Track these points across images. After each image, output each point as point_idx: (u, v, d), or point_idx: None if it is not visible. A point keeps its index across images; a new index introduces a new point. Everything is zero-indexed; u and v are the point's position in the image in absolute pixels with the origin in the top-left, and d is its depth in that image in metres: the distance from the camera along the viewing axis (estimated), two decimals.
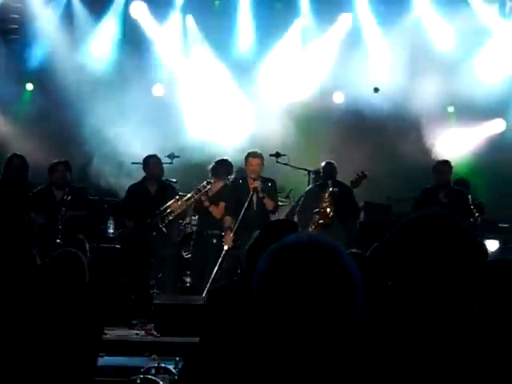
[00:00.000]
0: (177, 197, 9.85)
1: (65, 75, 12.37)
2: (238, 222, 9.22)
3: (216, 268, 9.29)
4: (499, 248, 10.75)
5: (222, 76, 12.91)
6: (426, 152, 12.18)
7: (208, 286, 9.39)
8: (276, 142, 11.45)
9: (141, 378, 5.80)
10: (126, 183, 10.56)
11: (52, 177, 9.81)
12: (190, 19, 12.97)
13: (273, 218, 9.64)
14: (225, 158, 10.25)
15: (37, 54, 12.63)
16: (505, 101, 12.63)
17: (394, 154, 12.16)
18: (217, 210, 9.83)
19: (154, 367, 6.01)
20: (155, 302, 8.95)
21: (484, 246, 4.31)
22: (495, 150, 12.44)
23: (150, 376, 5.86)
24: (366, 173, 10.27)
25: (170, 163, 11.19)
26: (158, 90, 12.92)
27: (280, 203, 10.57)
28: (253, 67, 12.85)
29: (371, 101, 11.95)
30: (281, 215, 10.39)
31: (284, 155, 11.09)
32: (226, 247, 9.36)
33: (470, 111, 12.46)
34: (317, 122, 12.65)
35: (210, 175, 10.16)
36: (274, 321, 1.77)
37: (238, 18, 12.88)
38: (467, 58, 12.51)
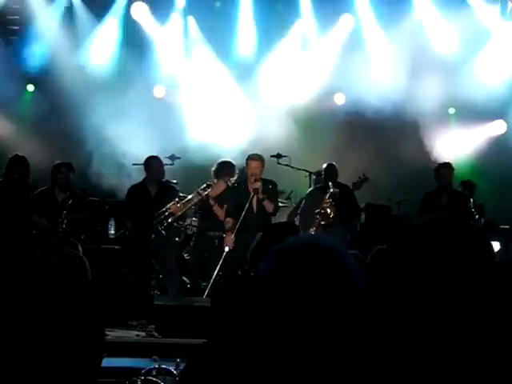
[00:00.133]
0: (176, 199, 9.84)
1: (66, 76, 12.37)
2: (239, 223, 9.21)
3: (217, 269, 9.28)
4: (500, 249, 10.76)
5: (223, 77, 12.91)
6: (426, 154, 12.19)
7: (209, 287, 9.39)
8: (277, 144, 11.46)
9: (141, 380, 5.79)
10: (127, 184, 10.55)
11: (55, 178, 9.76)
12: (191, 20, 12.97)
13: (273, 220, 9.64)
14: (228, 159, 10.24)
15: (38, 56, 12.61)
16: (506, 102, 12.63)
17: (395, 156, 12.16)
18: (220, 211, 9.82)
19: (154, 368, 6.00)
20: (156, 303, 8.94)
21: (491, 246, 4.28)
22: (496, 151, 12.45)
23: (150, 377, 5.85)
24: (367, 176, 10.30)
25: (170, 164, 11.19)
26: (159, 92, 12.92)
27: (281, 204, 10.57)
28: (254, 68, 12.85)
29: (372, 102, 11.94)
30: (282, 217, 10.39)
31: (285, 156, 11.10)
32: (226, 249, 9.35)
33: (471, 113, 12.47)
34: (318, 124, 12.65)
35: (212, 176, 10.15)
36: (276, 322, 1.77)
37: (238, 19, 12.88)
38: (468, 60, 12.51)
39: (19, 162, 10.01)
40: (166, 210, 9.76)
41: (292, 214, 10.61)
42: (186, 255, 10.93)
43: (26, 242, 4.45)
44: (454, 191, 10.11)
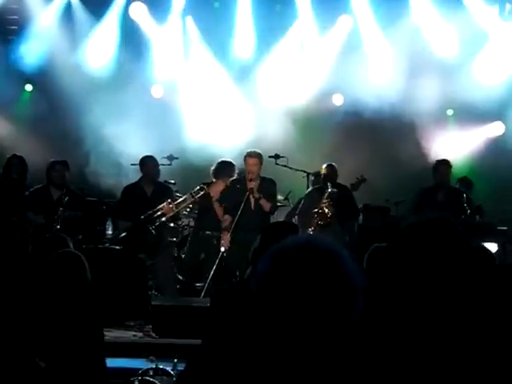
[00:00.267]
0: (169, 200, 9.81)
1: (64, 76, 12.36)
2: (235, 222, 9.21)
3: (213, 269, 9.28)
4: (498, 251, 10.75)
5: (221, 77, 12.91)
6: (424, 155, 12.19)
7: (206, 287, 9.39)
8: (275, 144, 11.46)
9: (139, 380, 5.79)
10: (125, 185, 10.55)
11: (50, 176, 9.76)
12: (190, 21, 12.96)
13: (272, 219, 9.65)
14: (227, 159, 10.24)
15: (36, 55, 12.60)
16: (504, 104, 12.63)
17: (393, 157, 12.17)
18: (220, 209, 9.82)
19: (151, 369, 6.00)
20: (153, 303, 8.94)
21: (485, 249, 4.29)
22: (494, 152, 12.46)
23: (147, 378, 5.85)
24: (365, 177, 10.32)
25: (168, 165, 11.19)
26: (157, 92, 12.91)
27: (279, 204, 10.58)
28: (252, 69, 12.85)
29: (370, 103, 11.94)
30: (280, 217, 10.39)
31: (283, 157, 11.11)
32: (222, 248, 9.35)
33: (469, 114, 12.47)
34: (316, 124, 12.66)
35: (211, 176, 10.15)
36: (273, 322, 1.76)
37: (237, 19, 12.87)
38: (466, 61, 12.51)
39: (17, 163, 10.01)
40: (157, 210, 9.74)
41: (290, 215, 10.61)
42: (183, 256, 10.93)
43: (24, 243, 4.45)
44: (451, 188, 10.16)
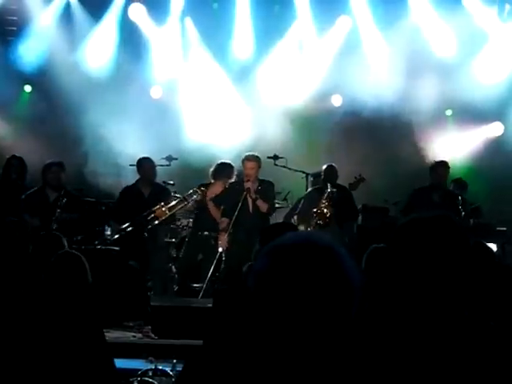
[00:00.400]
0: (162, 203, 9.78)
1: (63, 77, 12.36)
2: (233, 223, 9.22)
3: (211, 270, 9.28)
4: (497, 251, 10.75)
5: (220, 78, 12.91)
6: (423, 155, 12.19)
7: (204, 287, 9.39)
8: (274, 145, 11.48)
9: (138, 381, 5.78)
10: (124, 185, 10.55)
11: (46, 177, 9.73)
12: (189, 21, 12.96)
13: (271, 220, 9.66)
14: (226, 161, 10.24)
15: (35, 56, 12.60)
16: (503, 104, 12.63)
17: (392, 157, 12.18)
18: (216, 211, 9.82)
19: (151, 370, 5.99)
20: (153, 304, 8.94)
21: (485, 245, 4.29)
22: (493, 153, 12.46)
23: (147, 378, 5.84)
24: (363, 176, 10.32)
25: (167, 165, 11.19)
26: (156, 92, 12.91)
27: (278, 205, 10.58)
28: (251, 69, 12.85)
29: (369, 104, 11.94)
30: (279, 217, 10.40)
31: (282, 158, 11.12)
32: (220, 249, 9.35)
33: (468, 114, 12.48)
34: (315, 125, 12.66)
35: (210, 177, 10.15)
36: (270, 320, 1.76)
37: (236, 20, 12.87)
38: (465, 62, 12.51)
39: (17, 163, 10.01)
40: (150, 213, 9.71)
41: (289, 215, 10.61)
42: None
43: (24, 243, 4.44)
44: (447, 190, 10.16)
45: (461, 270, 2.26)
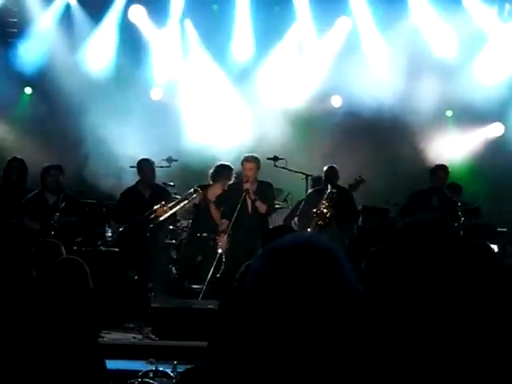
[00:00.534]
0: (163, 202, 9.79)
1: (63, 79, 12.37)
2: (232, 224, 9.22)
3: (211, 271, 9.29)
4: (498, 252, 10.75)
5: (220, 80, 12.92)
6: (424, 156, 12.19)
7: (204, 289, 9.40)
8: (274, 146, 11.48)
9: (138, 382, 5.78)
10: (124, 187, 10.56)
11: (44, 181, 9.73)
12: (189, 23, 12.97)
13: (271, 221, 9.67)
14: (226, 163, 10.25)
15: (35, 58, 12.61)
16: (503, 105, 12.63)
17: (392, 158, 12.18)
18: (216, 212, 9.83)
19: (151, 371, 5.99)
20: (153, 305, 8.93)
21: (491, 249, 4.30)
22: (493, 154, 12.45)
23: (147, 380, 5.85)
24: (363, 177, 10.32)
25: (167, 167, 11.20)
26: (156, 94, 12.92)
27: (277, 206, 10.58)
28: (251, 71, 12.85)
29: (369, 105, 11.94)
30: (279, 219, 10.40)
31: (282, 159, 11.11)
32: (219, 250, 9.36)
33: (469, 115, 12.47)
34: (315, 126, 12.66)
35: (209, 179, 10.16)
36: (267, 322, 1.77)
37: (235, 22, 12.88)
38: (466, 62, 12.51)
39: (18, 165, 10.01)
40: (152, 213, 9.73)
41: (289, 217, 10.62)
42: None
43: (22, 248, 4.44)
44: (445, 194, 10.16)
45: (457, 273, 2.26)
